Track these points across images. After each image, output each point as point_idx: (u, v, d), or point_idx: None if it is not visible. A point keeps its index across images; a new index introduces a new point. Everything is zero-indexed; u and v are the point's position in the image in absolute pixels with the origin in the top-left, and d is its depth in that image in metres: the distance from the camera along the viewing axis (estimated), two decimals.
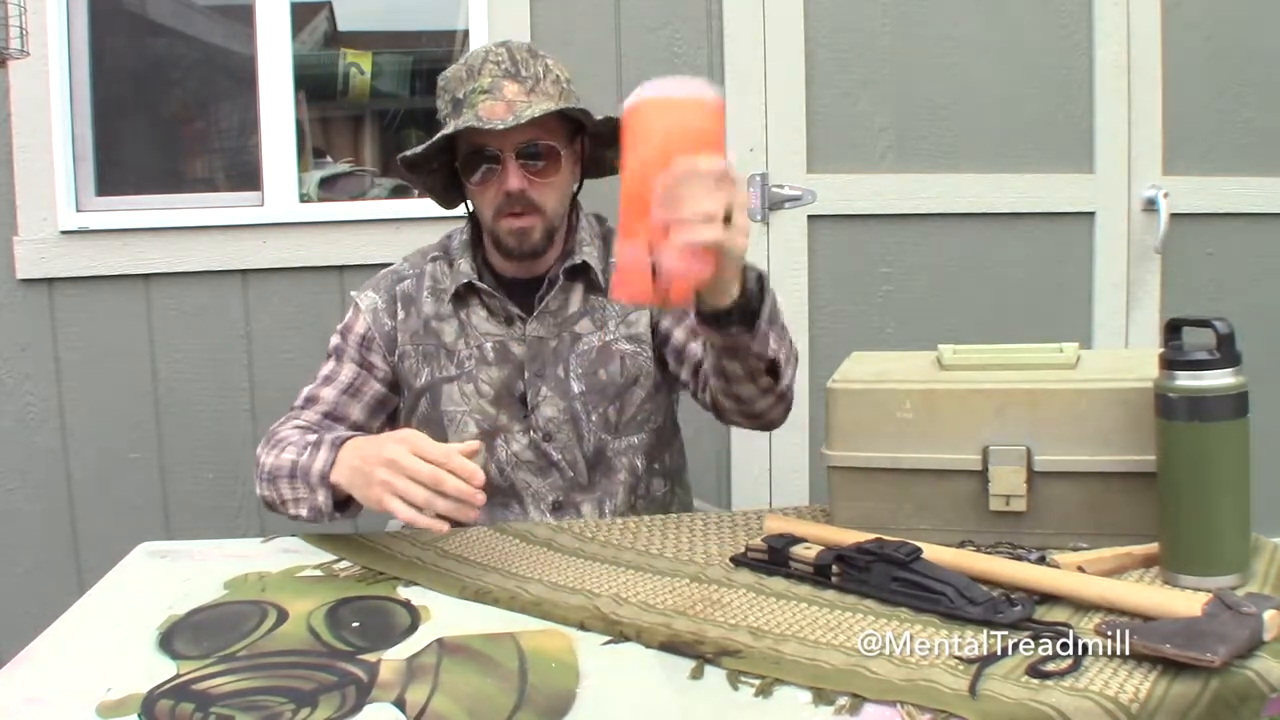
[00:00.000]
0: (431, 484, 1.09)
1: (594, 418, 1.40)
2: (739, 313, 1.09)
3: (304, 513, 1.25)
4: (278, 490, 1.28)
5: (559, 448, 1.40)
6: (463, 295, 1.42)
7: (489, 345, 1.41)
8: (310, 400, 1.41)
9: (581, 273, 1.42)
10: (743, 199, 0.99)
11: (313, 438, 1.28)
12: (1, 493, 2.16)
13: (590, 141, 1.42)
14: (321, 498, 1.22)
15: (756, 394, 1.25)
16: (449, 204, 1.48)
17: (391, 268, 1.49)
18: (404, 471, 1.10)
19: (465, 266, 1.41)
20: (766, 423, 1.32)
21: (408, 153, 1.36)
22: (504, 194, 1.33)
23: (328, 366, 1.44)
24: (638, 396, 1.42)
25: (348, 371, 1.43)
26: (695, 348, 1.38)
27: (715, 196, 0.94)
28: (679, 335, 1.40)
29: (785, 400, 1.30)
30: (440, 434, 1.39)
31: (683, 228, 0.93)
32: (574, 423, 1.40)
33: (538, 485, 1.41)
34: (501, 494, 1.41)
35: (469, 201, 1.43)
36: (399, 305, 1.44)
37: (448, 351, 1.41)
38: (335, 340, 1.45)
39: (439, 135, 1.33)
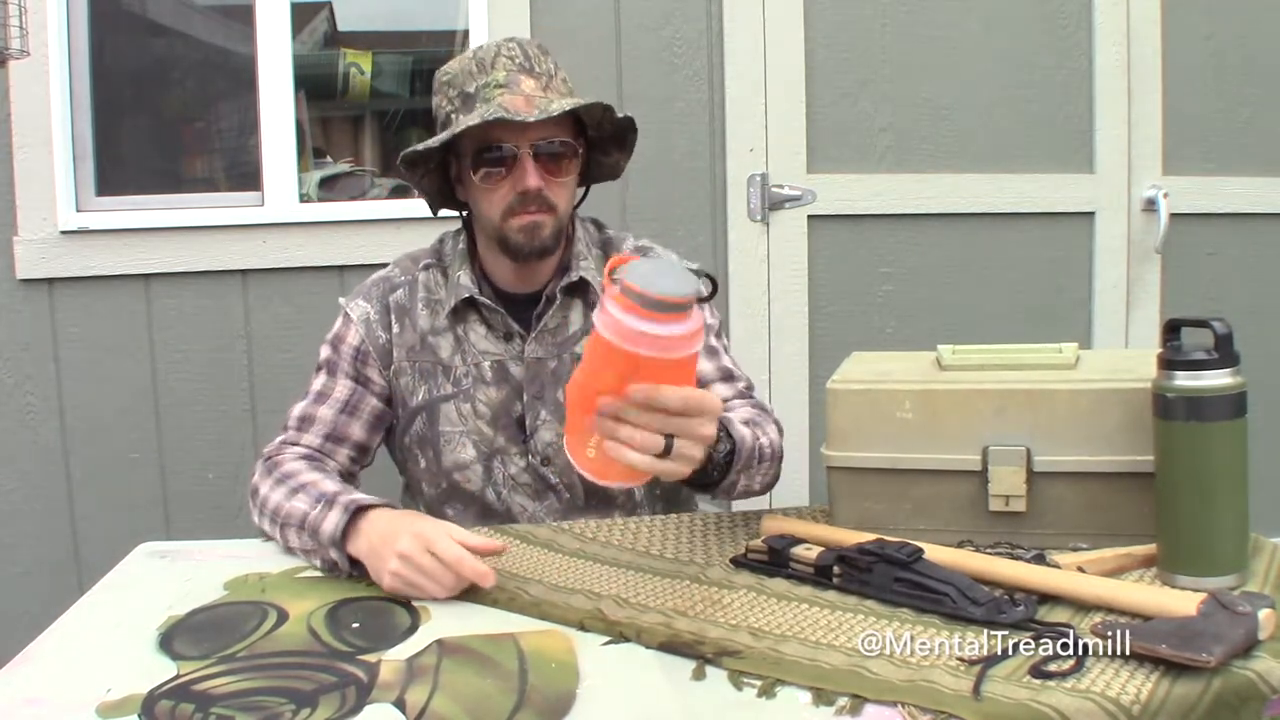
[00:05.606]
0: (443, 585, 1.06)
1: None
2: (696, 479, 1.13)
3: (316, 563, 1.19)
4: (284, 536, 1.22)
5: (557, 471, 1.37)
6: (459, 310, 1.37)
7: (487, 364, 1.37)
8: (305, 421, 1.36)
9: (580, 290, 1.39)
10: (702, 432, 0.97)
11: (329, 488, 1.21)
12: (1, 493, 2.15)
13: (586, 144, 1.38)
14: (335, 555, 1.14)
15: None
16: (437, 207, 1.42)
17: (381, 274, 1.43)
18: (417, 568, 1.06)
19: (465, 279, 1.36)
20: None
21: (417, 146, 1.29)
22: (518, 193, 1.28)
23: (319, 381, 1.38)
24: None
25: (343, 388, 1.37)
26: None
27: (658, 430, 0.93)
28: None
29: (767, 481, 1.31)
30: (436, 453, 1.37)
31: (617, 449, 0.93)
32: None
33: (534, 509, 1.39)
34: (497, 517, 1.39)
35: (467, 203, 1.37)
36: (393, 317, 1.38)
37: (444, 369, 1.37)
38: (326, 352, 1.39)
39: (459, 126, 1.25)
